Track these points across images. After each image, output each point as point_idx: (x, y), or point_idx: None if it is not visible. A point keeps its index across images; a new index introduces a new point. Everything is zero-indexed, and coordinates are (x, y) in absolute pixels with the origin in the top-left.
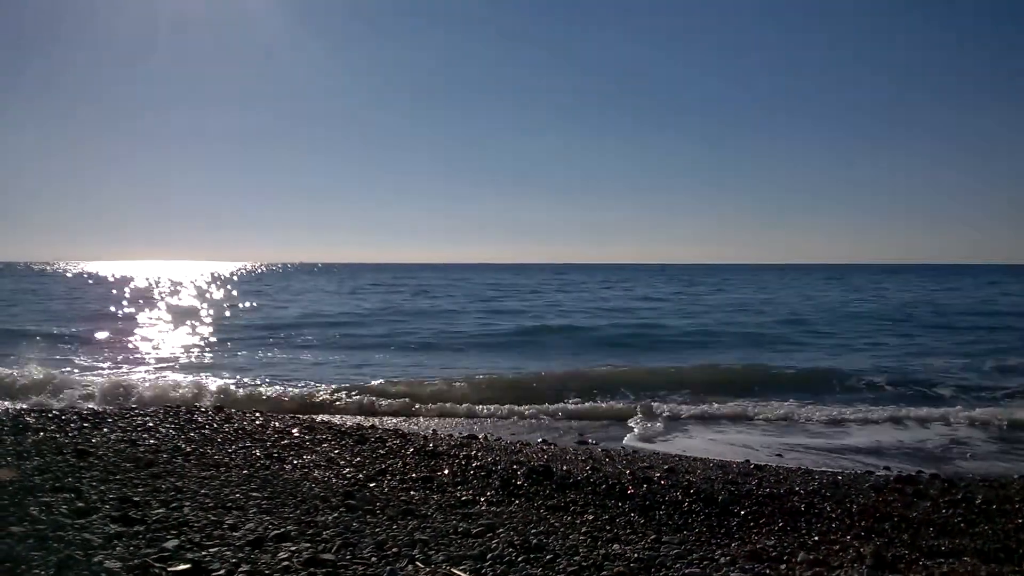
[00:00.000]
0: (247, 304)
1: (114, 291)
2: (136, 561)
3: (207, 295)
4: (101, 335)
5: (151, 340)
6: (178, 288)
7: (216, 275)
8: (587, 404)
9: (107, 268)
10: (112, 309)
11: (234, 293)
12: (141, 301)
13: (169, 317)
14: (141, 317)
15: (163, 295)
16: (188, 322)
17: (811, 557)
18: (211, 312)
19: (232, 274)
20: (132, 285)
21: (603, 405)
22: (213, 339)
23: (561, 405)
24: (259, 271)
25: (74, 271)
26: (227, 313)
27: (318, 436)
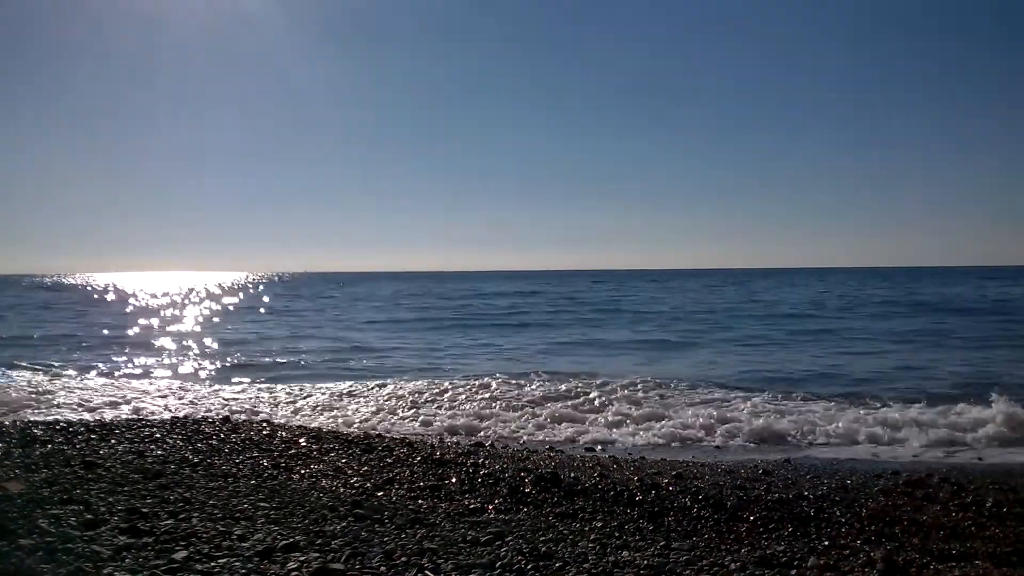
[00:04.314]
0: None
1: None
2: (145, 573)
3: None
4: None
5: None
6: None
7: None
8: None
9: (120, 280)
10: None
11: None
12: None
13: None
14: None
15: None
16: None
17: (821, 562)
18: None
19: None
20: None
21: None
22: None
23: None
24: (284, 280)
25: (95, 283)
26: None
27: (325, 446)
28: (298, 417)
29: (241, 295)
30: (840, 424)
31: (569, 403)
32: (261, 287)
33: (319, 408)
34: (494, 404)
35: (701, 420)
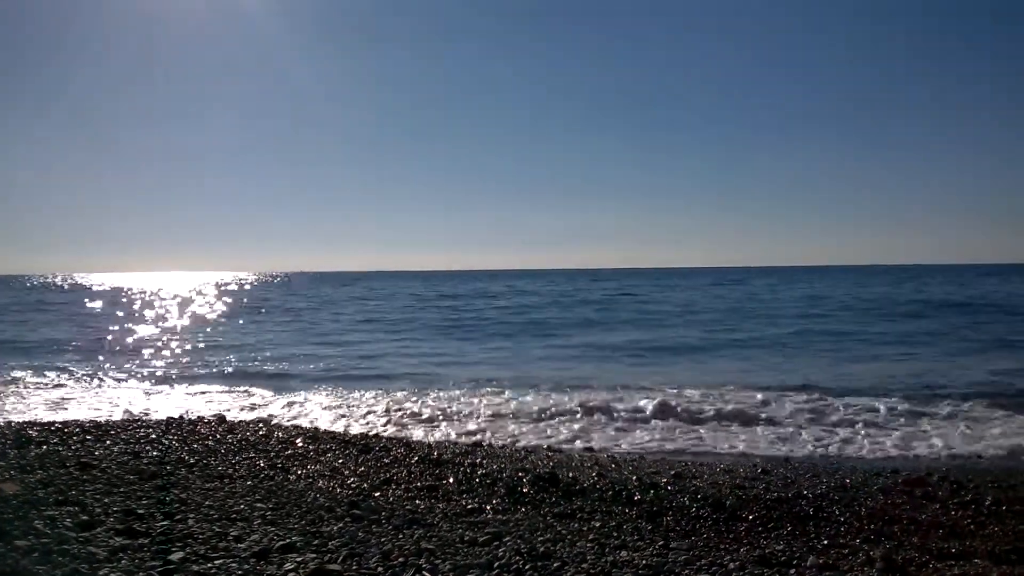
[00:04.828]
0: None
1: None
2: (141, 574)
3: None
4: None
5: None
6: None
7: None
8: None
9: (118, 280)
10: None
11: None
12: None
13: None
14: None
15: None
16: None
17: (820, 561)
18: None
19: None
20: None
21: None
22: None
23: None
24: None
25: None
26: None
27: (322, 446)
28: (295, 417)
29: (239, 295)
30: (839, 421)
31: (570, 404)
32: (260, 287)
33: (316, 409)
34: (492, 408)
35: (700, 422)
